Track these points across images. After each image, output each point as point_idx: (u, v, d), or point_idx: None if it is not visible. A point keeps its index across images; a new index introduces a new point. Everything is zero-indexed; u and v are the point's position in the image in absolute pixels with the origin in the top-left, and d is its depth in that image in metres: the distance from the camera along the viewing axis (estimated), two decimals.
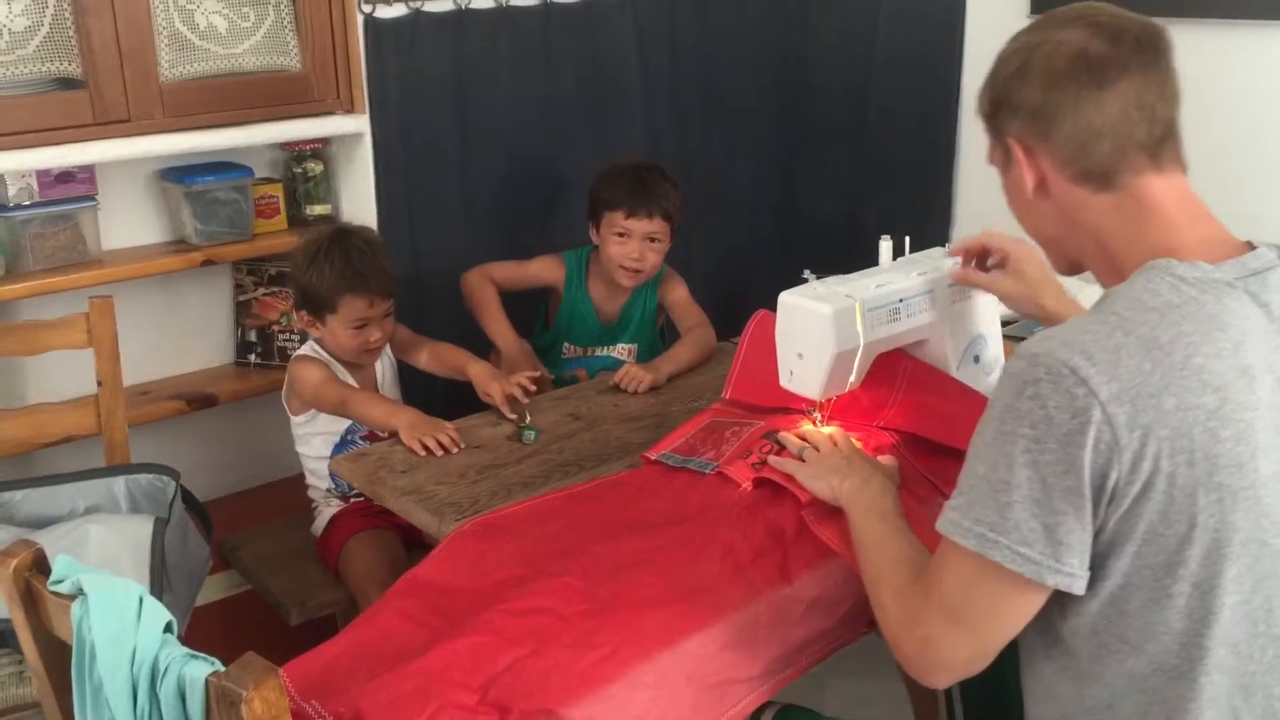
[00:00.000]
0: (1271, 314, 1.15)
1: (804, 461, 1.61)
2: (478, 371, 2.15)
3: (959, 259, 1.77)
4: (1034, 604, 1.16)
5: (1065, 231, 1.28)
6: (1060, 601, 1.17)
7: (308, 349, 2.27)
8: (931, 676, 1.25)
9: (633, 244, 2.42)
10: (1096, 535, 1.12)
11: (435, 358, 2.31)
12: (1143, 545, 1.11)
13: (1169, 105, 1.22)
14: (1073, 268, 1.34)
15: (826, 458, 1.59)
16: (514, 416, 2.00)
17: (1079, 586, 1.13)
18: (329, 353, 2.26)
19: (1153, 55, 1.21)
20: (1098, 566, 1.14)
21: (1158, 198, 1.21)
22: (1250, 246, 1.21)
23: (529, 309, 2.63)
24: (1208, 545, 1.11)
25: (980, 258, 1.76)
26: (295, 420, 2.28)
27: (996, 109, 1.28)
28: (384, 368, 2.34)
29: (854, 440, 1.68)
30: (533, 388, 2.08)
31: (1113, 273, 1.23)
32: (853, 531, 1.45)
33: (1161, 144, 1.22)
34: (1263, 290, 1.15)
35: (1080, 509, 1.10)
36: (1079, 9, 1.26)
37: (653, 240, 2.44)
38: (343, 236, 2.21)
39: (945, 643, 1.20)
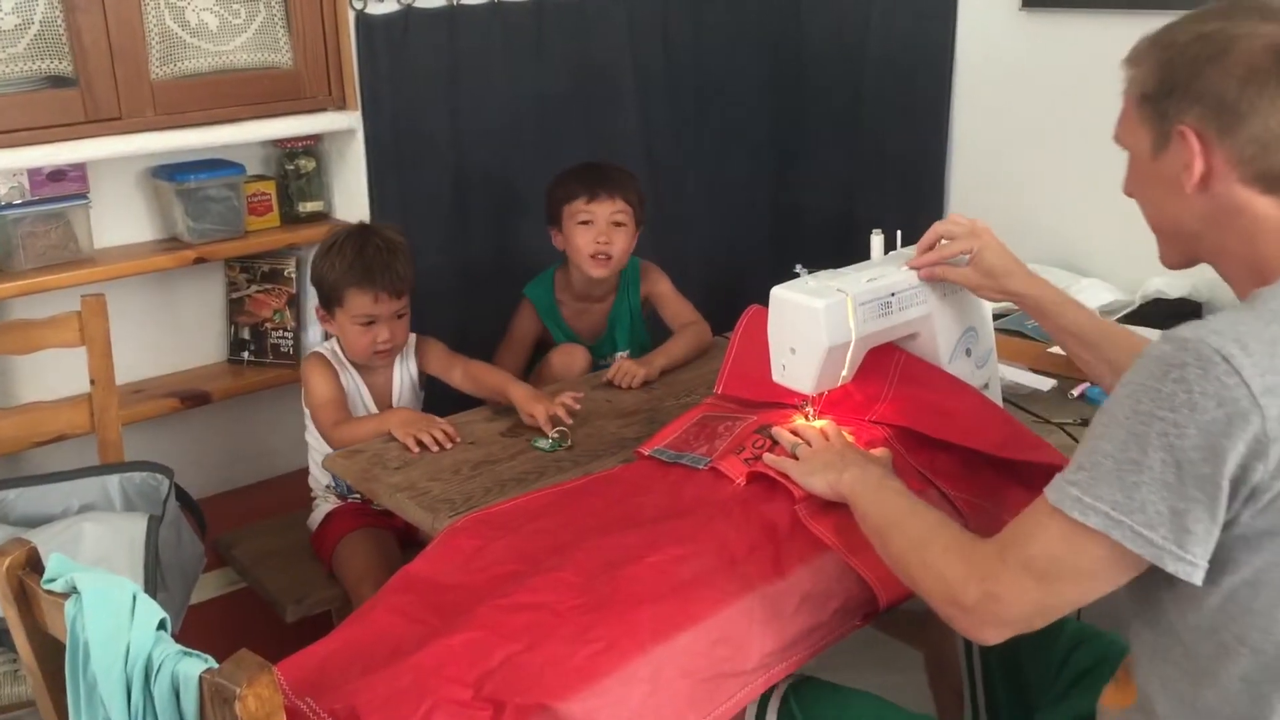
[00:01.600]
0: None
1: (797, 460, 1.61)
2: (520, 394, 2.06)
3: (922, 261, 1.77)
4: (1124, 579, 1.14)
5: (1210, 229, 1.22)
6: (1179, 597, 1.15)
7: (326, 348, 2.27)
8: (989, 631, 1.22)
9: (599, 228, 2.40)
10: (1228, 527, 1.10)
11: (470, 378, 2.23)
12: (1278, 541, 1.09)
13: None
14: (1189, 263, 1.29)
15: (820, 454, 1.58)
16: (556, 436, 1.96)
17: (1198, 577, 1.10)
18: (345, 354, 2.25)
19: None
20: (1226, 560, 1.11)
21: None
22: None
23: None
24: None
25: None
26: (308, 410, 2.27)
27: (1169, 91, 1.20)
28: (403, 380, 2.31)
29: (846, 434, 1.69)
30: (577, 407, 2.02)
31: (1256, 277, 1.19)
32: (868, 515, 1.43)
33: None
34: None
35: (1214, 499, 1.07)
36: (1270, 3, 1.20)
37: (617, 224, 2.42)
38: (363, 231, 2.21)
39: (1017, 599, 1.18)
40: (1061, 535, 1.14)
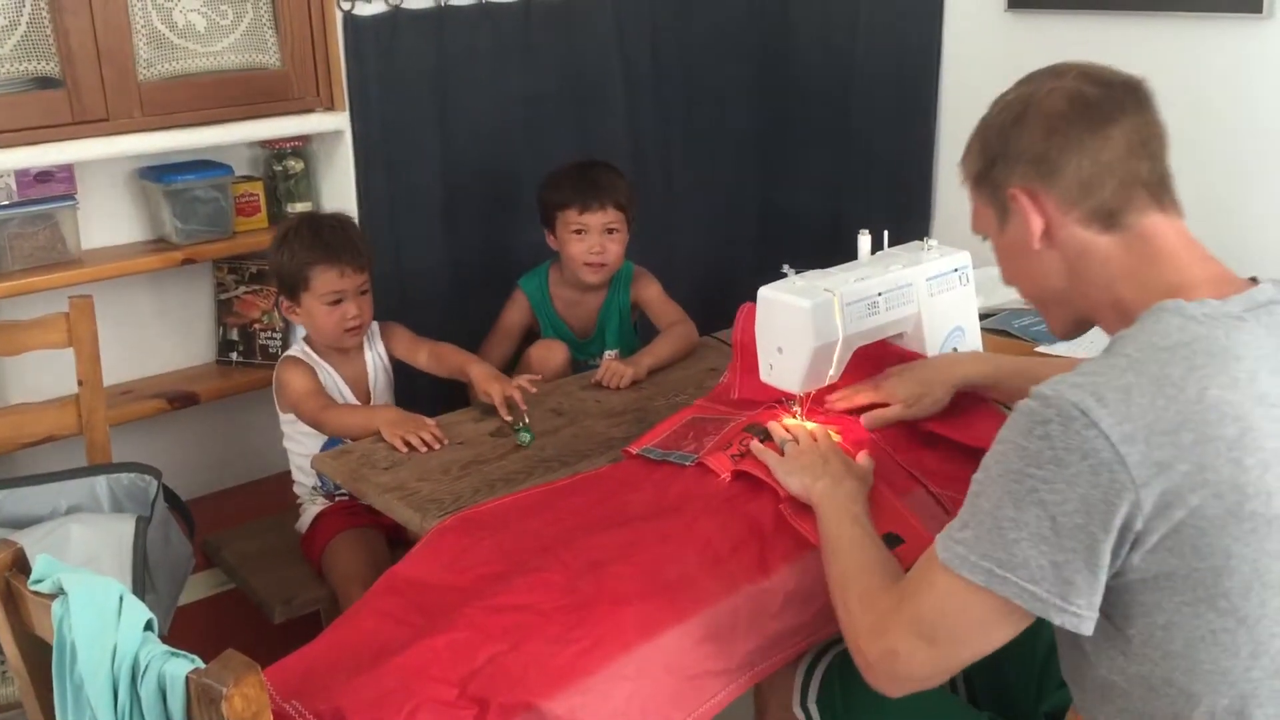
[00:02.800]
0: None
1: (782, 455, 1.61)
2: (479, 372, 2.13)
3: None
4: (1013, 632, 1.17)
5: (1072, 281, 1.26)
6: (1100, 648, 1.18)
7: (296, 349, 2.27)
8: (889, 687, 1.26)
9: (592, 238, 2.42)
10: (1121, 574, 1.11)
11: (435, 357, 2.29)
12: (1179, 581, 1.10)
13: (1163, 149, 1.25)
14: (1076, 326, 1.32)
15: (803, 454, 1.59)
16: (510, 418, 1.99)
17: (1086, 627, 1.12)
18: (316, 350, 2.26)
19: (1144, 99, 1.24)
20: (1133, 604, 1.13)
21: (1164, 236, 1.22)
22: (1254, 282, 1.21)
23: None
24: (1246, 576, 1.09)
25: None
26: (284, 417, 2.28)
27: (992, 164, 1.28)
28: (376, 370, 2.32)
29: (833, 435, 1.69)
30: (533, 390, 2.06)
31: (1122, 319, 1.21)
32: (821, 532, 1.46)
33: (1162, 184, 1.23)
34: (1274, 323, 1.15)
35: (1091, 549, 1.09)
36: (1061, 65, 1.28)
37: (610, 231, 2.43)
38: (313, 216, 2.26)
39: (913, 659, 1.21)
40: (949, 592, 1.16)
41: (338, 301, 2.18)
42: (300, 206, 2.63)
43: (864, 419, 1.75)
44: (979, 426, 1.70)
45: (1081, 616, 1.11)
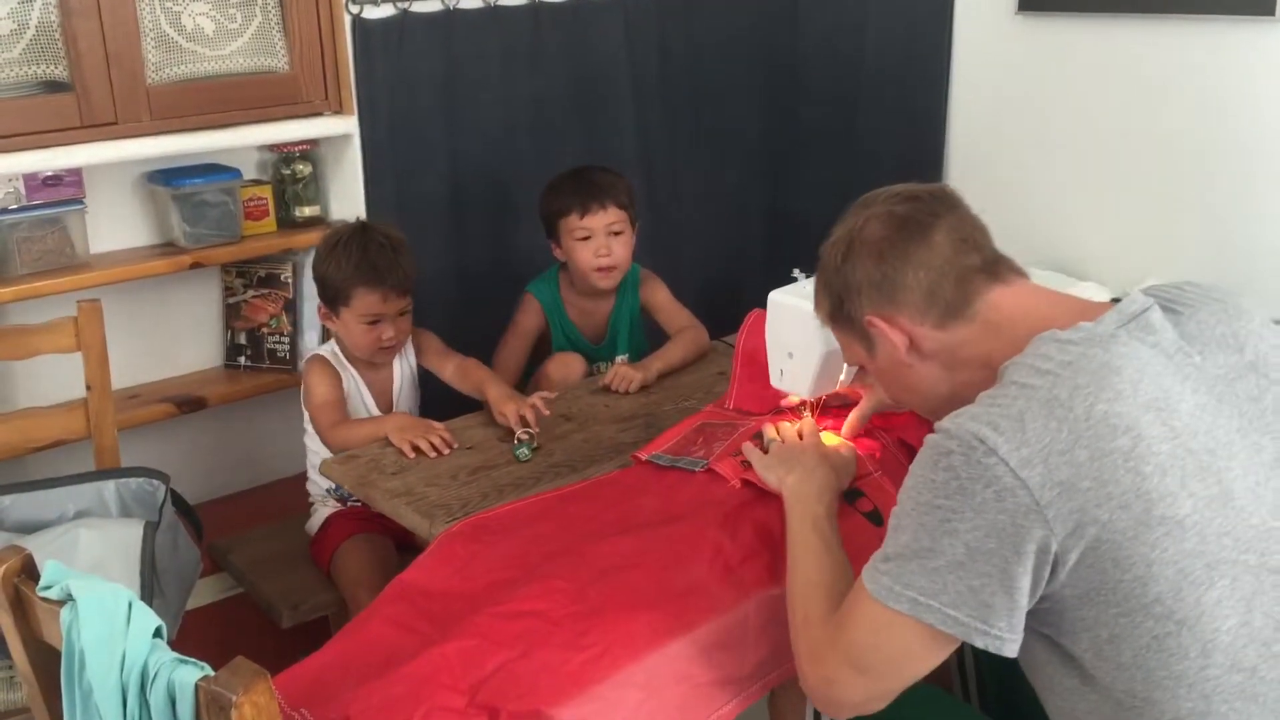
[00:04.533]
0: (1164, 350, 1.19)
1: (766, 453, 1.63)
2: (495, 393, 2.10)
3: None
4: (942, 657, 1.20)
5: (953, 377, 1.32)
6: (1059, 671, 1.20)
7: (327, 349, 2.27)
8: (831, 710, 1.28)
9: (597, 241, 2.40)
10: (1053, 594, 1.14)
11: (460, 372, 2.26)
12: (1108, 594, 1.12)
13: (985, 236, 1.34)
14: None
15: (783, 450, 1.62)
16: (525, 437, 1.96)
17: (1009, 649, 1.15)
18: (345, 355, 2.25)
19: (953, 201, 1.34)
20: (1075, 620, 1.15)
21: (1014, 302, 1.29)
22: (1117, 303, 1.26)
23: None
24: (1173, 579, 1.11)
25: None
26: (307, 414, 2.26)
27: (840, 303, 1.36)
28: (403, 375, 2.31)
29: (834, 437, 1.69)
30: (546, 411, 2.03)
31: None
32: (788, 531, 1.46)
33: (995, 264, 1.31)
34: (1147, 333, 1.20)
35: (1005, 573, 1.12)
36: (869, 195, 1.38)
37: (614, 233, 2.41)
38: (365, 230, 2.21)
39: (846, 686, 1.24)
40: (878, 623, 1.19)
41: (376, 322, 2.17)
42: (308, 210, 2.63)
43: (844, 430, 1.74)
44: None
45: (1003, 639, 1.14)
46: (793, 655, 1.32)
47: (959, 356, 1.31)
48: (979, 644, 1.14)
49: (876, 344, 1.35)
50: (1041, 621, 1.17)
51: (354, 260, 2.14)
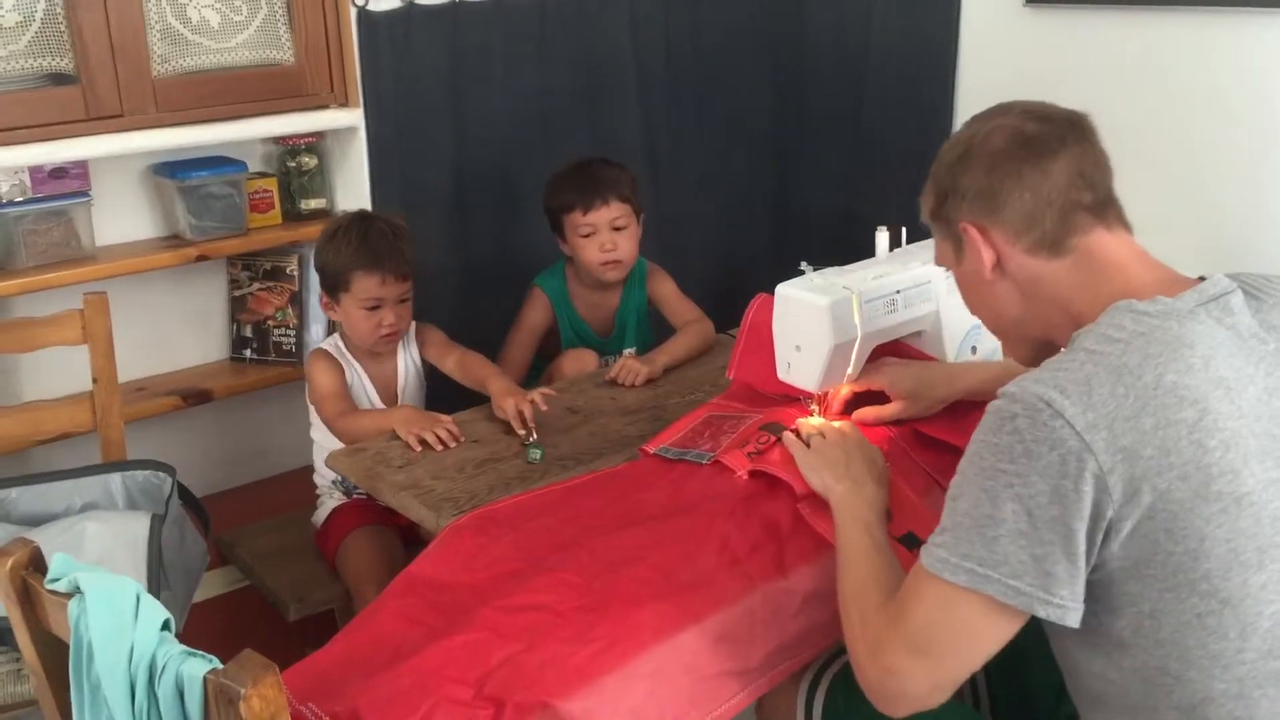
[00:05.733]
0: (1239, 333, 1.18)
1: (809, 448, 1.60)
2: (496, 387, 2.10)
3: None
4: (1006, 634, 1.18)
5: (1027, 307, 1.32)
6: (1092, 647, 1.19)
7: (329, 343, 2.27)
8: (891, 706, 1.26)
9: (602, 236, 2.40)
10: (1102, 566, 1.13)
11: (462, 366, 2.26)
12: (1157, 567, 1.12)
13: (1105, 176, 1.30)
14: (1039, 350, 1.35)
15: (829, 449, 1.58)
16: (523, 432, 1.96)
17: (1072, 619, 1.14)
18: (348, 347, 2.25)
19: (1084, 132, 1.30)
20: (1119, 595, 1.15)
21: (1110, 250, 1.27)
22: (1203, 280, 1.24)
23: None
24: (1223, 556, 1.11)
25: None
26: (312, 407, 2.27)
27: (942, 200, 1.34)
28: (407, 372, 2.31)
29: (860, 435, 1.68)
30: (544, 407, 2.03)
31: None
32: (837, 537, 1.45)
33: (1105, 207, 1.28)
34: (1225, 314, 1.19)
35: (1069, 540, 1.11)
36: (1006, 103, 1.35)
37: (618, 227, 2.41)
38: (365, 217, 2.22)
39: (909, 675, 1.22)
40: (936, 599, 1.18)
41: (376, 308, 2.17)
42: (314, 203, 2.63)
43: (856, 414, 1.73)
44: None
45: (1066, 608, 1.13)
46: (849, 652, 1.31)
47: (1040, 289, 1.29)
48: (1041, 614, 1.13)
49: (965, 252, 1.33)
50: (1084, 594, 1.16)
51: (353, 245, 2.15)
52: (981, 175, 1.29)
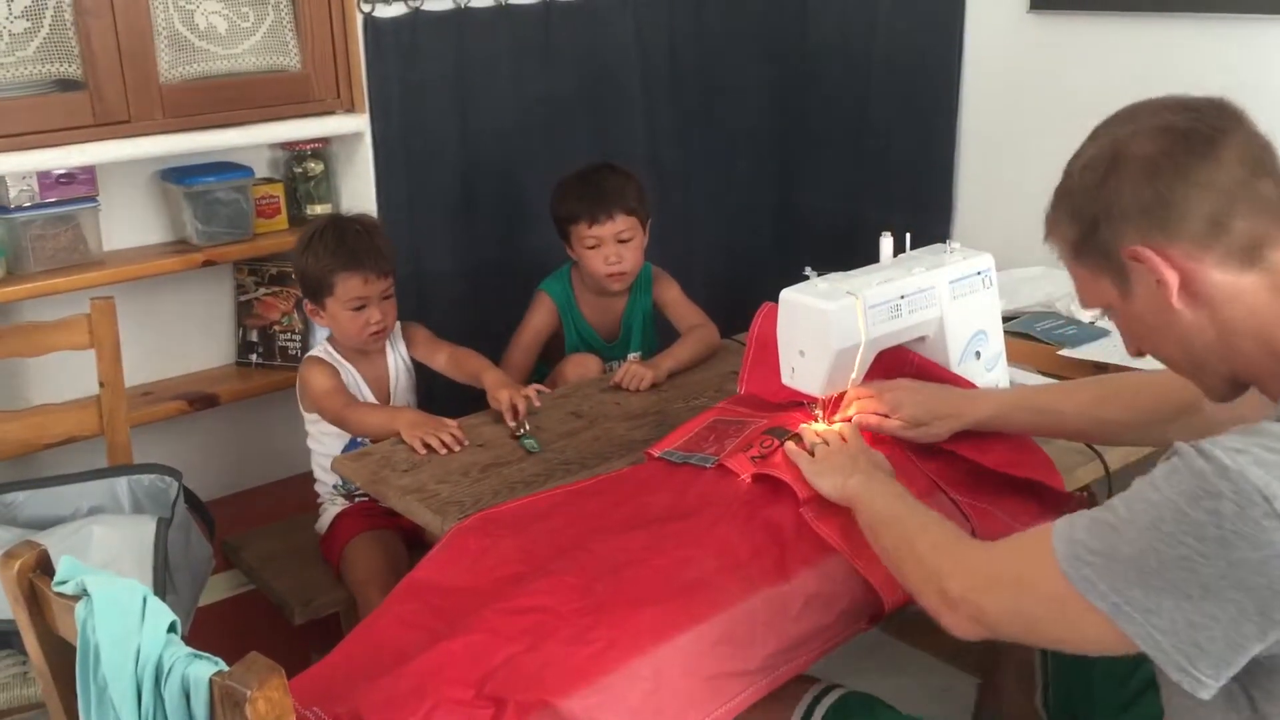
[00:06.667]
0: None
1: (813, 456, 1.60)
2: (491, 378, 2.15)
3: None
4: (1115, 653, 1.08)
5: (1221, 339, 1.12)
6: (1238, 712, 1.08)
7: (319, 349, 2.28)
8: (964, 629, 1.21)
9: (607, 249, 2.41)
10: (1271, 656, 1.01)
11: (454, 361, 2.29)
12: None
13: (1276, 162, 1.11)
14: (1233, 389, 1.17)
15: (833, 455, 1.58)
16: (513, 424, 2.00)
17: (1204, 693, 1.01)
18: (339, 350, 2.26)
19: (1238, 114, 1.13)
20: (1277, 683, 1.04)
21: None
22: None
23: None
24: None
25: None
26: (307, 417, 2.28)
27: (1094, 228, 1.14)
28: (398, 369, 2.33)
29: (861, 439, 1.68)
30: (537, 403, 2.07)
31: None
32: (870, 518, 1.43)
33: None
34: None
35: (1238, 629, 0.98)
36: (1130, 107, 1.17)
37: (624, 240, 2.42)
38: (338, 220, 2.24)
39: (1000, 624, 1.17)
40: (1064, 602, 1.07)
41: (361, 307, 2.19)
42: (320, 208, 2.64)
43: (857, 417, 1.73)
44: (996, 452, 1.68)
45: (1203, 683, 1.01)
46: (915, 584, 1.28)
47: (1235, 312, 1.10)
48: (1174, 677, 1.01)
49: (1135, 283, 1.13)
50: (1242, 669, 1.03)
51: (330, 248, 2.17)
52: (1143, 185, 1.09)
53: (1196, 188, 1.08)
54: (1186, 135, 1.09)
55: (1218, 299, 1.10)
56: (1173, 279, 1.10)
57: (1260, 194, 1.08)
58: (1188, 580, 0.99)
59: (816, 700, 1.50)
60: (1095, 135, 1.17)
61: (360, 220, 2.25)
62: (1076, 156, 1.18)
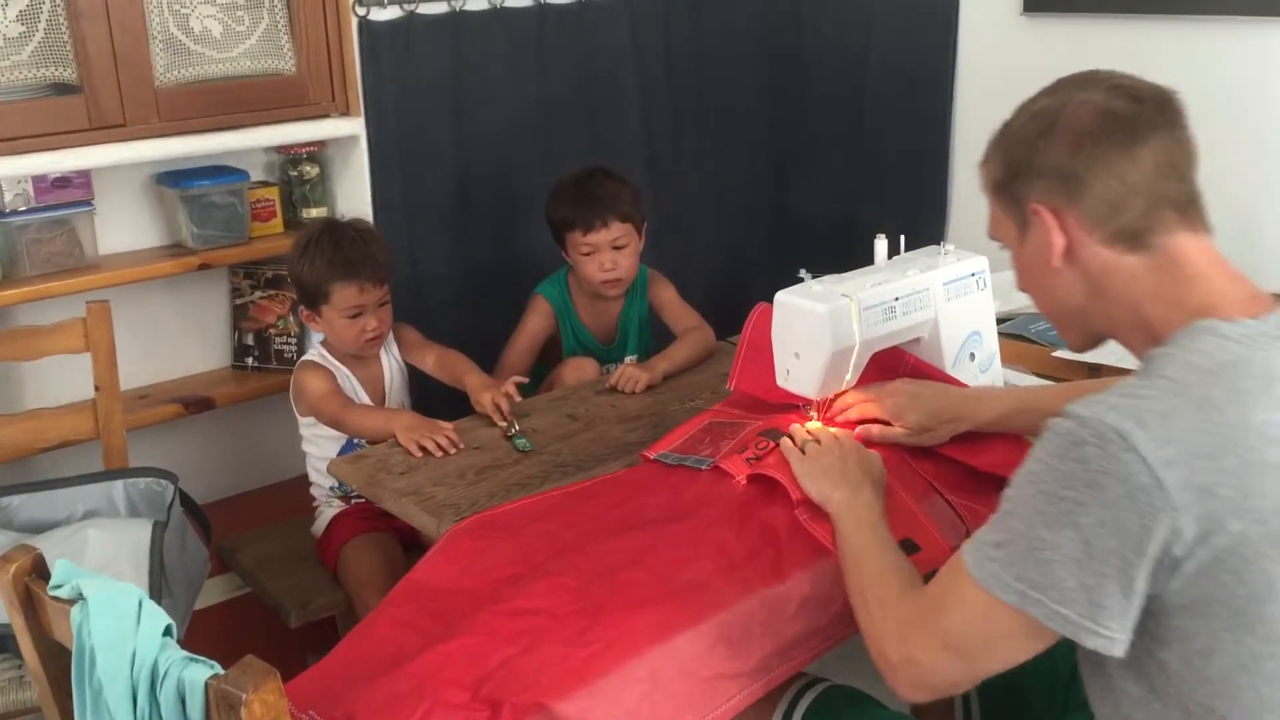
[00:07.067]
0: None
1: (804, 455, 1.60)
2: (473, 382, 2.16)
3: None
4: (1038, 649, 1.15)
5: (1092, 300, 1.24)
6: (1146, 673, 1.15)
7: (314, 353, 2.28)
8: (911, 693, 1.25)
9: (602, 255, 2.41)
10: (1159, 598, 1.09)
11: (441, 364, 2.30)
12: (1219, 607, 1.07)
13: (1193, 168, 1.21)
14: (1092, 341, 1.30)
15: (824, 455, 1.58)
16: (503, 424, 2.00)
17: (1117, 649, 1.09)
18: (333, 353, 2.26)
19: (1174, 116, 1.21)
20: (1172, 629, 1.10)
21: (1193, 257, 1.18)
22: None
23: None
24: None
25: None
26: (302, 421, 2.28)
27: (1013, 175, 1.25)
28: (392, 371, 2.33)
29: (854, 439, 1.69)
30: (517, 398, 2.07)
31: (1149, 338, 1.19)
32: (839, 543, 1.45)
33: (1191, 204, 1.20)
34: None
35: (1125, 573, 1.06)
36: (1089, 74, 1.25)
37: (619, 247, 2.42)
38: (333, 226, 2.24)
39: (937, 670, 1.20)
40: (979, 609, 1.14)
41: (357, 315, 2.19)
42: (316, 211, 2.64)
43: (859, 430, 1.73)
44: (992, 453, 1.69)
45: (1113, 639, 1.08)
46: (867, 642, 1.29)
47: (1110, 283, 1.21)
48: (1087, 644, 1.09)
49: (1031, 233, 1.25)
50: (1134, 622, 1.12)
51: (327, 256, 2.16)
52: (1065, 154, 1.19)
53: (1106, 173, 1.18)
54: (1119, 124, 1.19)
55: (1095, 270, 1.22)
56: (1060, 242, 1.22)
57: (1162, 193, 1.18)
58: (1073, 542, 1.07)
59: (800, 694, 1.52)
60: (1054, 89, 1.26)
61: (356, 226, 2.25)
62: (1031, 102, 1.28)
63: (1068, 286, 1.25)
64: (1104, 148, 1.18)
